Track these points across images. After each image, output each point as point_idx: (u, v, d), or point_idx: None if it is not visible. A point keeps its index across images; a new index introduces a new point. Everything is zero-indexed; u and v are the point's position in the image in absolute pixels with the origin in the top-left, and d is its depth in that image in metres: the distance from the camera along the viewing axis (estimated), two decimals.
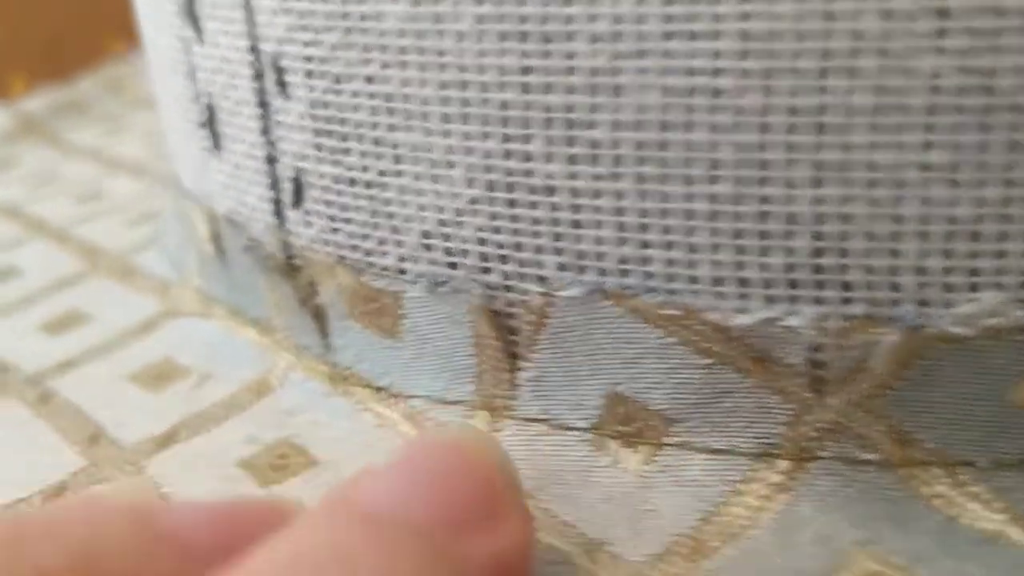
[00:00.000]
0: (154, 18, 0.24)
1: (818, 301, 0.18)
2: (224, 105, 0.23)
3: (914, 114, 0.16)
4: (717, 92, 0.17)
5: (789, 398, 0.19)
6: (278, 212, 0.22)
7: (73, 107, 0.47)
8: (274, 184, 0.22)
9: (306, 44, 0.20)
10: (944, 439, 0.18)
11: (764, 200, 0.18)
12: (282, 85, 0.21)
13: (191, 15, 0.22)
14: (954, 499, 0.18)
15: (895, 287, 0.18)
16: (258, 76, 0.21)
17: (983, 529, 0.18)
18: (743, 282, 0.18)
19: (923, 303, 0.18)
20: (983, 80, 0.16)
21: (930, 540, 0.18)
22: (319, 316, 0.22)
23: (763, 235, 0.18)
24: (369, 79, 0.20)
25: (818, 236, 0.18)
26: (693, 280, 0.19)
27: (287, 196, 0.22)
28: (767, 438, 0.19)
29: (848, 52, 0.16)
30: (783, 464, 0.19)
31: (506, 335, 0.20)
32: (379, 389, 0.22)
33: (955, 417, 0.18)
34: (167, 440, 0.22)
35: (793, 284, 0.18)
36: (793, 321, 0.18)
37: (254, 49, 0.21)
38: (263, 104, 0.22)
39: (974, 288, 0.17)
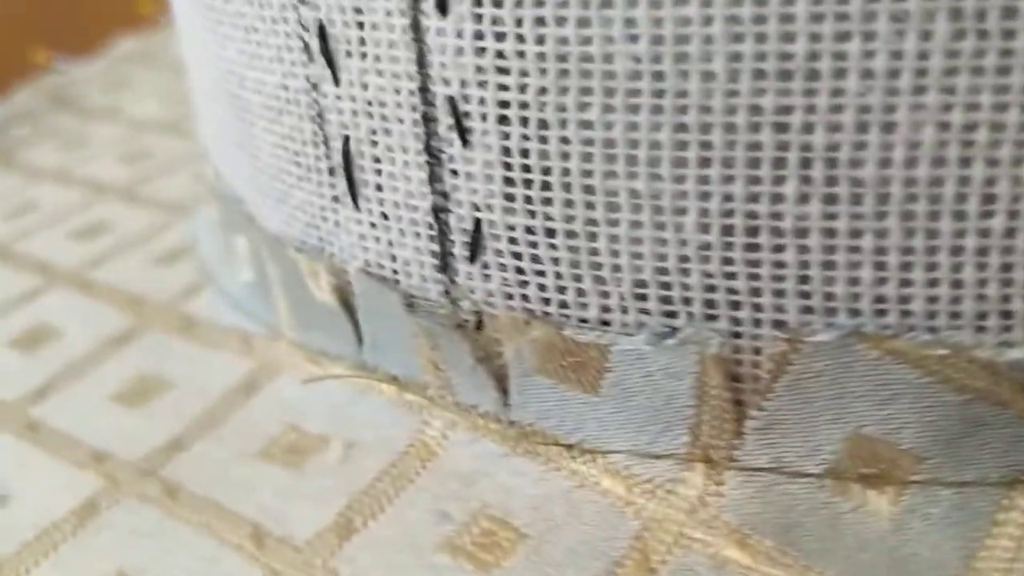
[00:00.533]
0: (255, 50, 0.22)
1: None
2: (368, 151, 0.21)
3: None
4: (1000, 127, 0.16)
5: None
6: (445, 266, 0.21)
7: (15, 122, 0.43)
8: (442, 236, 0.20)
9: (501, 88, 0.18)
10: None
11: None
12: (461, 131, 0.19)
13: (325, 53, 0.20)
14: None
15: None
16: (427, 120, 0.19)
17: None
18: (1006, 315, 0.18)
19: None
20: None
21: None
22: (497, 373, 0.21)
23: None
24: (586, 124, 0.18)
25: None
26: (955, 316, 0.18)
27: (459, 249, 0.20)
28: (1019, 465, 0.19)
29: None
30: None
31: (734, 384, 0.19)
32: (569, 447, 0.21)
33: None
34: (345, 531, 0.20)
35: None
36: None
37: (424, 91, 0.19)
38: (431, 151, 0.20)
39: None
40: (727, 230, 0.18)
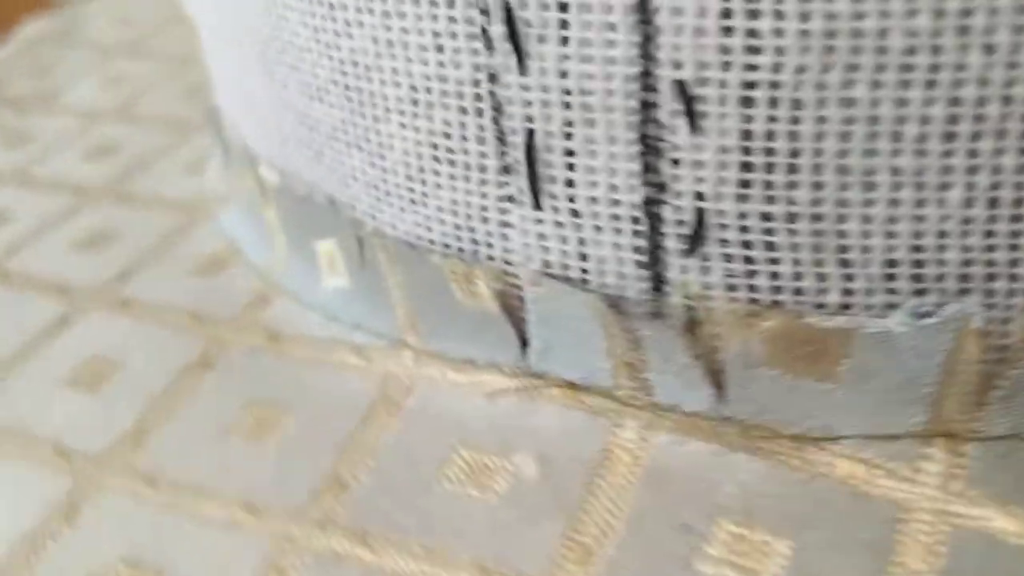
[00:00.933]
0: (383, 39, 0.20)
1: None
2: (559, 145, 0.19)
3: None
4: None
5: None
6: (653, 261, 0.19)
7: None
8: (652, 231, 0.19)
9: (749, 68, 0.17)
10: None
11: None
12: (691, 116, 0.18)
13: (512, 39, 0.18)
14: None
15: None
16: (645, 107, 0.18)
17: None
18: None
19: None
20: None
21: None
22: (714, 368, 0.19)
23: None
24: (849, 102, 0.17)
25: None
26: None
27: (673, 242, 0.19)
28: None
29: None
30: None
31: (986, 356, 0.18)
32: (794, 437, 0.20)
33: None
34: (584, 557, 0.19)
35: None
36: None
37: (645, 75, 0.18)
38: (646, 140, 0.18)
39: None
40: (992, 203, 0.17)
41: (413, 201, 0.22)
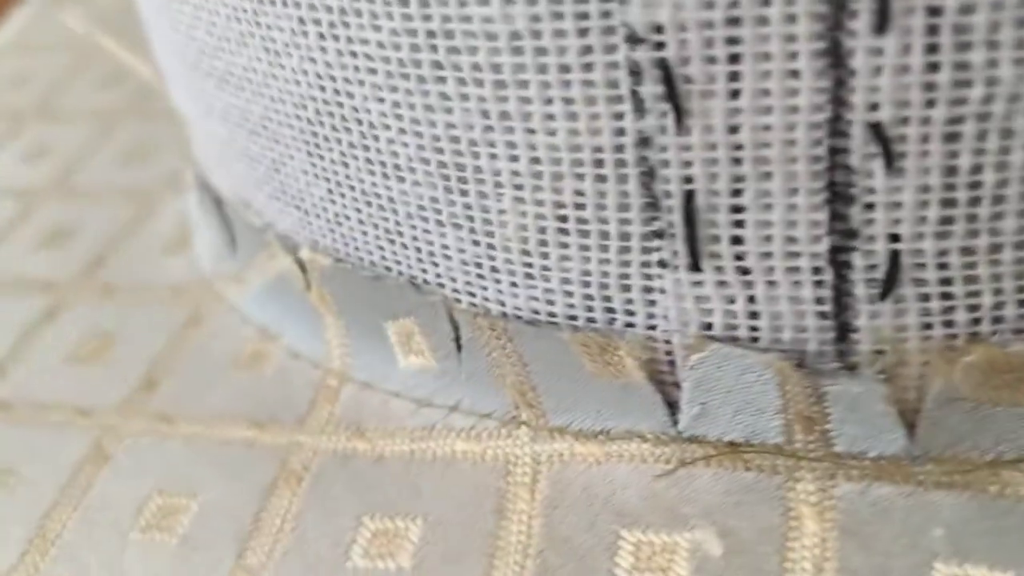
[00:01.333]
0: (495, 111, 0.17)
1: None
2: (724, 203, 0.17)
3: None
4: None
5: None
6: (840, 311, 0.18)
7: None
8: (838, 279, 0.17)
9: (956, 103, 0.15)
10: None
11: None
12: (888, 157, 0.16)
13: (671, 99, 0.16)
14: None
15: None
16: (833, 153, 0.16)
17: None
18: None
19: None
20: None
21: None
22: (909, 410, 0.18)
23: None
24: None
25: None
26: None
27: (862, 289, 0.17)
28: None
29: None
30: None
31: None
32: (990, 463, 0.19)
33: None
34: None
35: None
36: None
37: (834, 120, 0.16)
38: (835, 187, 0.16)
39: None
40: None
41: (530, 276, 0.19)
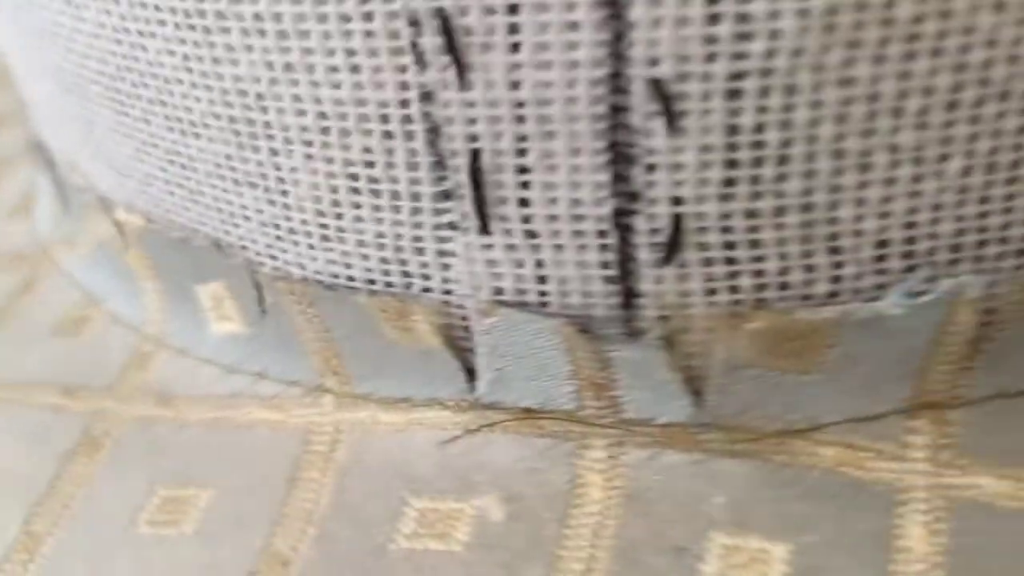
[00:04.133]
0: (280, 63, 0.15)
1: None
2: (510, 163, 0.15)
3: None
4: None
5: None
6: (624, 275, 0.15)
7: None
8: (622, 243, 0.15)
9: (738, 57, 0.13)
10: None
11: None
12: (669, 116, 0.14)
13: (451, 51, 0.14)
14: None
15: None
16: (615, 112, 0.14)
17: None
18: None
19: None
20: None
21: None
22: (694, 378, 0.16)
23: None
24: (848, 82, 0.13)
25: None
26: None
27: (647, 253, 0.15)
28: None
29: None
30: None
31: (977, 324, 0.16)
32: (778, 432, 0.17)
33: None
34: None
35: None
36: None
37: (615, 76, 0.14)
38: (617, 147, 0.14)
39: None
40: (990, 168, 0.14)
41: (326, 238, 0.17)
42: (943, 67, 0.13)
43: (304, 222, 0.17)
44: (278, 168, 0.16)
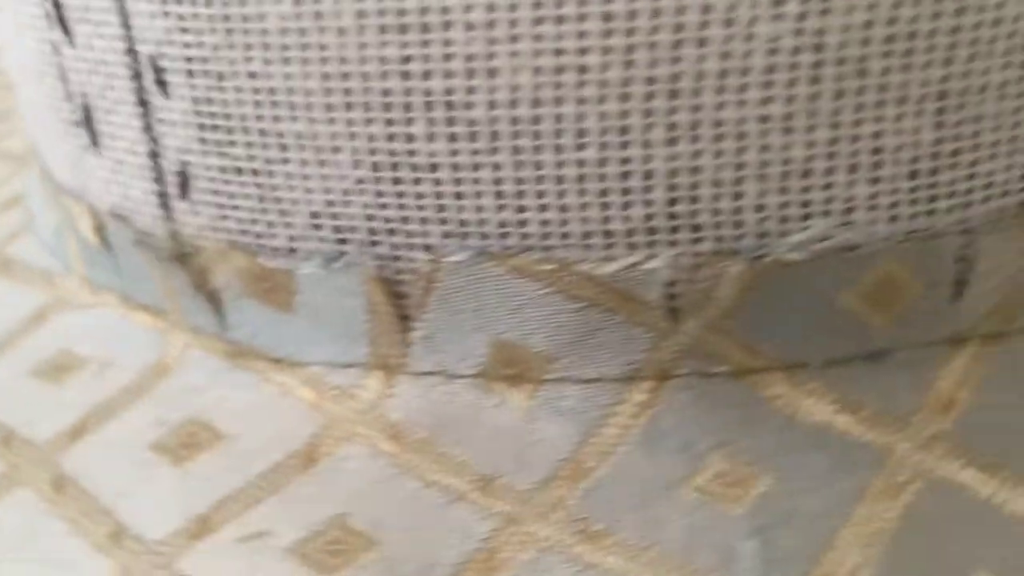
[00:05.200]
0: (15, 20, 0.21)
1: (672, 244, 0.18)
2: (101, 104, 0.20)
3: (755, 74, 0.16)
4: (583, 69, 0.16)
5: (649, 328, 0.18)
6: (165, 204, 0.20)
7: None
8: (159, 178, 0.20)
9: (186, 46, 0.18)
10: (782, 347, 0.18)
11: (625, 161, 0.17)
12: (162, 84, 0.19)
13: (60, 19, 0.20)
14: (792, 398, 0.18)
15: (738, 224, 0.18)
16: (136, 76, 0.19)
17: (816, 422, 0.18)
18: (608, 234, 0.18)
19: (763, 235, 0.18)
20: (815, 39, 0.16)
21: (772, 437, 0.18)
22: (213, 298, 0.21)
23: (624, 192, 0.17)
24: (252, 75, 0.18)
25: (672, 188, 0.17)
26: (565, 236, 0.18)
27: (173, 189, 0.20)
28: (632, 363, 0.19)
29: (698, 25, 0.16)
30: (647, 384, 0.19)
31: (397, 300, 0.19)
32: (278, 360, 0.21)
33: (792, 327, 0.18)
34: (78, 432, 0.20)
35: (651, 231, 0.18)
36: (652, 264, 0.18)
37: (131, 51, 0.19)
38: (143, 103, 0.20)
39: (806, 218, 0.17)
40: (375, 166, 0.18)
41: (51, 150, 0.23)
42: (312, 73, 0.18)
43: (42, 136, 0.24)
44: (25, 96, 0.23)
